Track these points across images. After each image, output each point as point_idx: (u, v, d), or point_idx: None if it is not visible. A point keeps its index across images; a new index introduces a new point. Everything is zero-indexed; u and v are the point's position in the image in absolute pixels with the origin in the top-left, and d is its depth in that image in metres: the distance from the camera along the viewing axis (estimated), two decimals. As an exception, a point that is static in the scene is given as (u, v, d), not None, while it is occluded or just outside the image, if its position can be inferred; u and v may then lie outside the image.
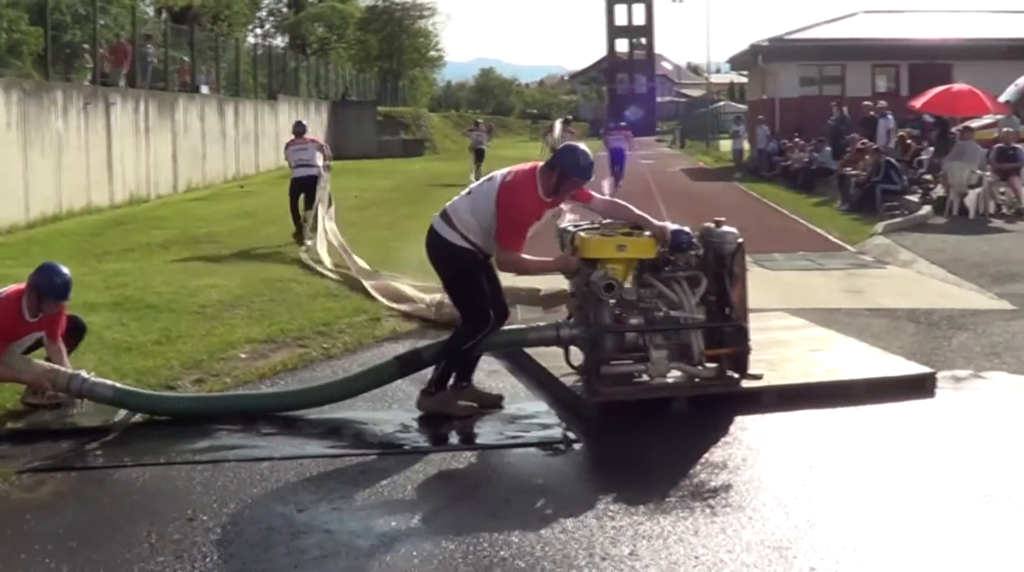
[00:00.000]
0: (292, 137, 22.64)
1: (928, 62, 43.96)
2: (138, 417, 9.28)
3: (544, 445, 8.63)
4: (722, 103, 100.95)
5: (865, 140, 31.43)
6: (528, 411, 9.54)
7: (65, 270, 9.48)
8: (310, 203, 20.75)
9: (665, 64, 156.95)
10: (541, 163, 9.22)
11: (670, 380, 9.58)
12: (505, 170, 9.18)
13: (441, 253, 9.13)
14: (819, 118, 39.47)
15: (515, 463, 8.32)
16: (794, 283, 16.55)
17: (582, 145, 9.40)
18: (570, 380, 9.88)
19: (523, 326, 10.24)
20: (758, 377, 9.65)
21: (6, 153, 24.11)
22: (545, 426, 9.11)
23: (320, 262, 17.33)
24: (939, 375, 10.33)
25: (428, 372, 9.46)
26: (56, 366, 9.28)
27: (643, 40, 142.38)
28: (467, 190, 9.38)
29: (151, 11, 54.14)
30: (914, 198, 26.58)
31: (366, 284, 14.86)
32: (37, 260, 10.56)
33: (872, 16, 51.79)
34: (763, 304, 12.85)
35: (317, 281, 15.80)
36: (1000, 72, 36.24)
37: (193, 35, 41.38)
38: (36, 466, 8.10)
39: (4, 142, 24.02)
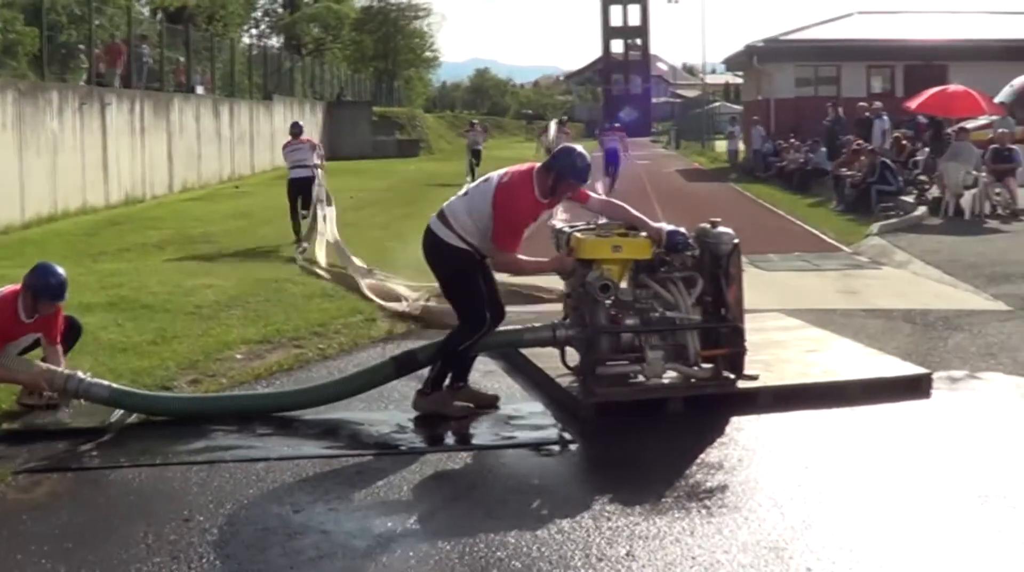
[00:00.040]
0: (289, 138, 22.68)
1: (923, 63, 44.03)
2: (134, 417, 9.28)
3: (540, 446, 8.62)
4: (717, 104, 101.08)
5: (860, 141, 31.44)
6: (524, 412, 9.54)
7: (60, 270, 9.47)
8: (307, 204, 20.79)
9: (660, 65, 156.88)
10: (538, 164, 9.22)
11: (666, 381, 9.58)
12: (502, 171, 9.19)
13: (438, 254, 9.13)
14: (814, 119, 39.52)
15: (511, 464, 8.32)
16: (790, 284, 16.56)
17: (579, 147, 9.40)
18: (566, 381, 9.88)
19: (519, 327, 10.22)
20: (754, 378, 9.65)
21: (1, 154, 24.14)
22: (541, 427, 9.11)
23: (315, 262, 17.31)
24: (935, 376, 10.33)
25: (424, 372, 9.46)
26: (52, 367, 9.27)
27: (638, 41, 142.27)
28: (464, 191, 9.39)
29: (146, 11, 54.13)
30: (909, 199, 26.59)
31: (361, 283, 14.86)
32: (32, 261, 10.54)
33: (867, 17, 51.86)
34: (759, 305, 12.87)
35: (313, 282, 15.79)
36: (995, 73, 36.32)
37: (188, 35, 41.38)
38: (32, 467, 8.09)
39: (0, 143, 24.01)
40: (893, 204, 25.94)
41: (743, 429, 8.94)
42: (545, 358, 10.33)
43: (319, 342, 12.19)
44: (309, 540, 6.64)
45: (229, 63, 46.73)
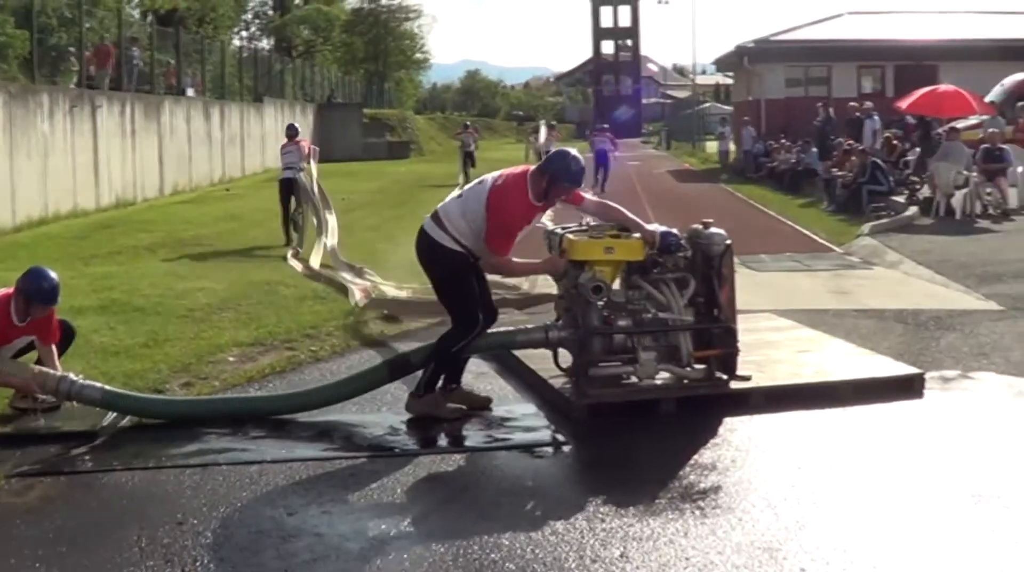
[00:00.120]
0: (286, 139, 22.97)
1: (914, 63, 44.03)
2: (127, 421, 9.27)
3: (533, 447, 8.61)
4: (708, 104, 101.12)
5: (851, 141, 31.48)
6: (517, 413, 9.53)
7: (53, 274, 9.46)
8: (299, 205, 20.94)
9: (651, 66, 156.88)
10: (532, 167, 9.22)
11: (658, 382, 9.59)
12: (496, 173, 9.19)
13: (431, 255, 9.12)
14: (805, 119, 39.52)
15: (504, 465, 8.32)
16: (781, 284, 16.58)
17: (573, 151, 9.40)
18: (559, 382, 9.88)
19: (511, 328, 10.23)
20: (746, 378, 9.65)
21: (-8, 156, 24.10)
22: (534, 428, 9.10)
23: (306, 261, 17.30)
24: (927, 376, 10.34)
25: (417, 374, 9.46)
26: (44, 369, 9.25)
27: (629, 42, 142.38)
28: (458, 193, 9.39)
29: (137, 14, 54.06)
30: (900, 199, 26.62)
31: (350, 286, 14.85)
32: (24, 264, 10.56)
33: (858, 17, 51.90)
34: (751, 305, 12.87)
35: (304, 284, 15.78)
36: (986, 73, 36.33)
37: (179, 38, 41.34)
38: (25, 470, 8.08)
39: (-10, 145, 24.01)
40: (884, 204, 25.97)
41: (736, 430, 8.95)
42: (538, 360, 10.34)
43: (311, 344, 12.19)
44: (303, 543, 6.63)
45: (219, 65, 46.69)
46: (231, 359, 11.50)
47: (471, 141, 42.57)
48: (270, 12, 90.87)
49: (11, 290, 9.37)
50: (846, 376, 10.19)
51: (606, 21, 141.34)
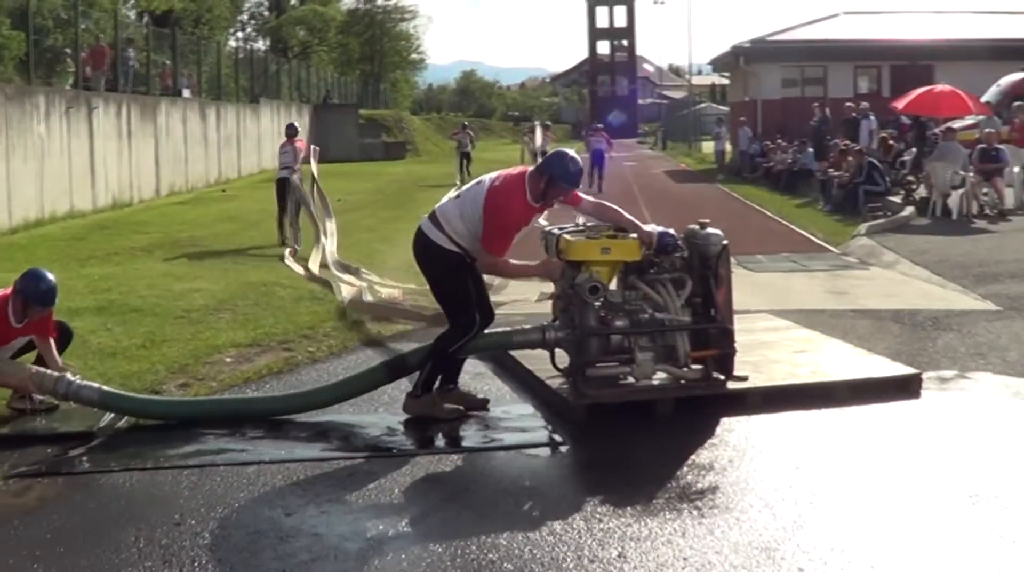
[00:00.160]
0: (285, 139, 23.17)
1: (910, 63, 44.14)
2: (124, 421, 9.27)
3: (530, 448, 8.62)
4: (704, 105, 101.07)
5: (847, 141, 31.48)
6: (514, 414, 9.53)
7: (50, 276, 9.46)
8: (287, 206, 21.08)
9: (647, 66, 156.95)
10: (530, 168, 9.23)
11: (656, 382, 9.59)
12: (494, 174, 9.19)
13: (428, 255, 9.12)
14: (801, 119, 39.56)
15: (502, 466, 8.32)
16: (778, 285, 16.58)
17: (571, 151, 9.41)
18: (556, 382, 9.87)
19: (508, 329, 10.22)
20: (743, 379, 9.65)
21: (-12, 158, 24.10)
22: (531, 429, 9.11)
23: (306, 265, 17.30)
24: (924, 376, 10.35)
25: (414, 375, 9.46)
26: (42, 369, 9.25)
27: (624, 42, 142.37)
28: (456, 194, 9.40)
29: (132, 15, 54.06)
30: (897, 199, 26.64)
31: (338, 284, 14.86)
32: (21, 265, 10.57)
33: (854, 17, 52.02)
34: (747, 306, 12.89)
35: (301, 284, 15.78)
36: (982, 73, 36.39)
37: (175, 39, 41.32)
38: (22, 471, 8.08)
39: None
40: (880, 204, 25.98)
41: (733, 430, 8.95)
42: (535, 360, 10.34)
43: (308, 345, 12.18)
44: (301, 543, 6.63)
45: (215, 66, 46.68)
46: (228, 360, 11.50)
47: (468, 141, 42.73)
48: (266, 13, 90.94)
49: (9, 291, 9.37)
50: (843, 376, 10.19)
51: (602, 21, 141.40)
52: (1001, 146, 25.78)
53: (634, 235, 9.42)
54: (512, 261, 9.23)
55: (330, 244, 18.32)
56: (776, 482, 7.68)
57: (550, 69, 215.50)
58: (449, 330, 9.29)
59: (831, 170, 29.84)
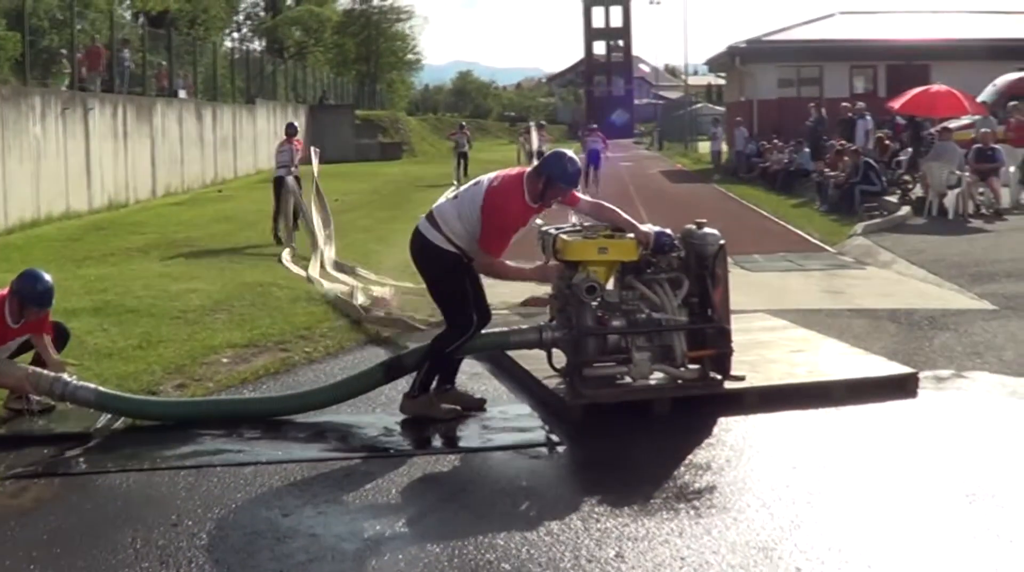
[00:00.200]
0: (284, 138, 23.37)
1: (906, 63, 44.13)
2: (121, 422, 9.26)
3: (527, 448, 8.63)
4: (700, 105, 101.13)
5: (843, 141, 31.50)
6: (511, 414, 9.54)
7: (47, 277, 9.46)
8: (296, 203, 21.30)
9: (643, 66, 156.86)
10: (528, 169, 9.23)
11: (653, 382, 9.58)
12: (492, 175, 9.19)
13: (426, 255, 9.12)
14: (797, 119, 39.55)
15: (499, 466, 8.32)
16: (775, 284, 16.57)
17: (569, 151, 9.41)
18: (553, 382, 9.87)
19: (505, 329, 10.23)
20: (740, 378, 9.65)
21: (-16, 159, 24.08)
22: (528, 429, 9.11)
23: (303, 262, 17.31)
24: (921, 375, 10.35)
25: (411, 375, 9.46)
26: (38, 370, 9.24)
27: (620, 42, 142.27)
28: (453, 194, 9.40)
29: (128, 15, 54.02)
30: (893, 199, 26.66)
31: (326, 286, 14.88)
32: (17, 266, 10.56)
33: (849, 17, 52.00)
34: (744, 305, 12.88)
35: (297, 285, 15.78)
36: (978, 73, 36.38)
37: (170, 39, 41.27)
38: (19, 472, 8.08)
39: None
40: (877, 204, 26.00)
41: (730, 430, 8.95)
42: (532, 360, 10.33)
43: (305, 345, 12.18)
44: (298, 544, 6.63)
45: (211, 67, 46.65)
46: (225, 361, 11.50)
47: (465, 142, 42.78)
48: (262, 13, 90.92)
49: (5, 292, 9.36)
50: (840, 376, 10.19)
51: (598, 22, 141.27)
52: (997, 146, 25.80)
53: (631, 235, 9.42)
54: (509, 263, 9.23)
55: (328, 251, 18.30)
56: (773, 482, 7.68)
57: (546, 69, 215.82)
58: (446, 330, 9.30)
59: (827, 170, 29.86)
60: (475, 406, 9.56)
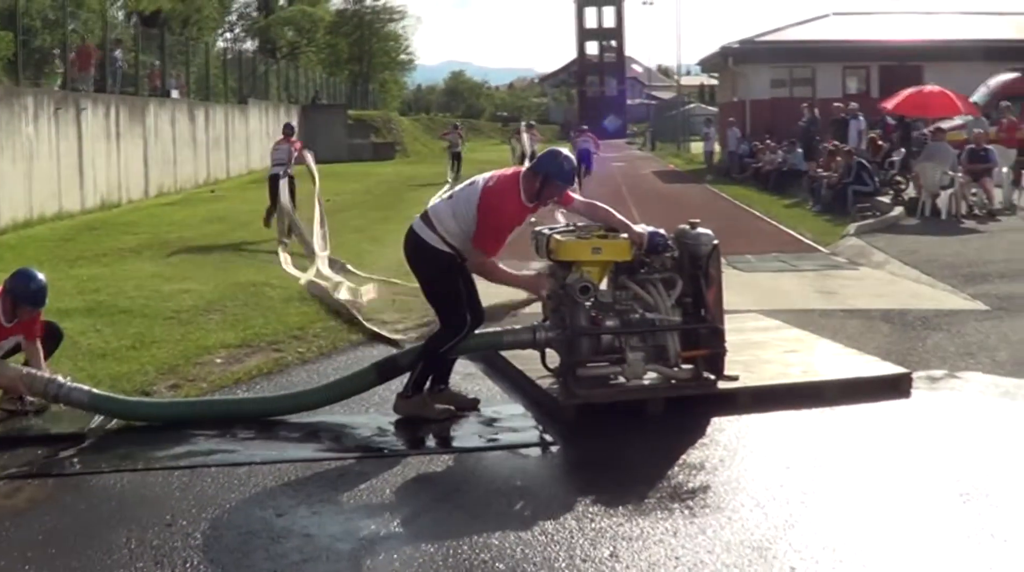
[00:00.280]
0: (281, 137, 23.80)
1: (899, 63, 44.19)
2: (114, 423, 9.25)
3: (521, 448, 8.63)
4: (692, 105, 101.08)
5: (836, 142, 31.51)
6: (505, 414, 9.53)
7: (40, 276, 9.46)
8: (292, 198, 21.82)
9: (635, 66, 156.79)
10: (524, 168, 9.24)
11: (646, 382, 9.60)
12: (487, 174, 9.19)
13: (420, 255, 9.12)
14: (789, 120, 39.53)
15: (493, 466, 8.32)
16: (768, 285, 16.59)
17: (564, 150, 9.42)
18: (546, 383, 9.88)
19: (499, 329, 10.24)
20: (734, 378, 9.66)
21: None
22: (522, 429, 9.10)
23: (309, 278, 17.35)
24: (914, 375, 10.37)
25: (405, 375, 9.46)
26: (32, 370, 9.24)
27: (613, 43, 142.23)
28: (448, 194, 9.40)
29: (121, 16, 53.96)
30: (886, 199, 26.69)
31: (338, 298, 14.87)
32: (10, 266, 10.54)
33: (842, 18, 52.03)
34: (737, 306, 12.90)
35: (290, 285, 15.75)
36: (970, 73, 36.46)
37: (163, 39, 41.21)
38: (12, 473, 8.06)
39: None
40: (869, 205, 26.03)
41: (724, 430, 8.96)
42: (525, 360, 10.34)
43: (298, 346, 12.17)
44: (292, 544, 6.62)
45: (204, 67, 46.55)
46: (218, 361, 11.48)
47: (459, 142, 42.80)
48: (254, 13, 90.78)
49: (-2, 291, 9.37)
50: (833, 376, 10.21)
51: (590, 22, 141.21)
52: (990, 146, 25.84)
53: (625, 235, 9.43)
54: (502, 266, 9.23)
55: (323, 257, 18.34)
56: (767, 481, 7.69)
57: (539, 69, 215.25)
58: (440, 331, 9.30)
59: (820, 170, 29.88)
60: (469, 406, 9.56)
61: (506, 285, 9.79)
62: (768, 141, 39.82)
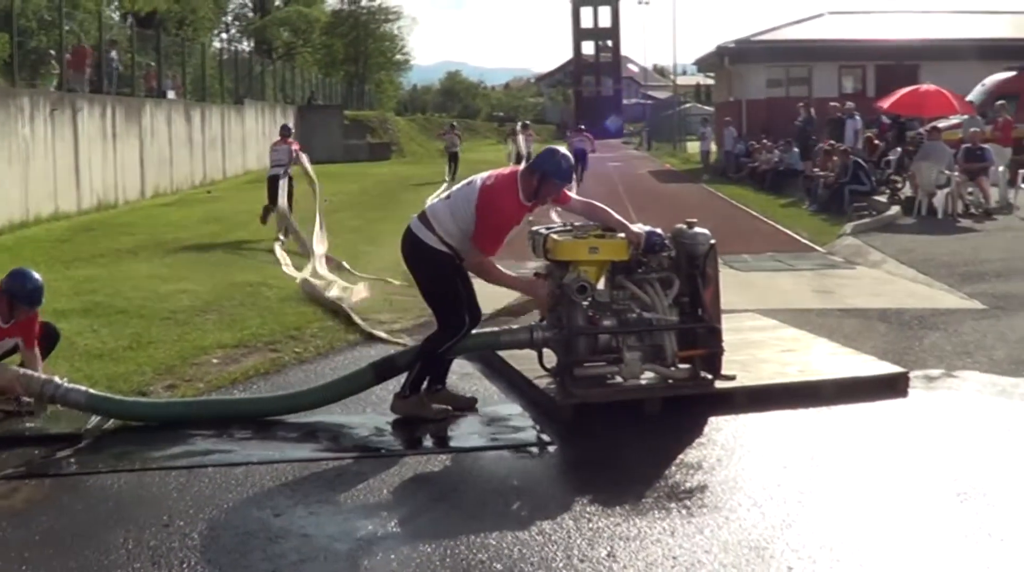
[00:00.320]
0: (278, 138, 23.93)
1: (895, 63, 44.22)
2: (111, 423, 9.24)
3: (519, 447, 8.63)
4: (689, 105, 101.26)
5: (832, 141, 31.52)
6: (502, 414, 9.53)
7: (37, 276, 9.46)
8: (289, 199, 21.92)
9: (631, 66, 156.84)
10: (522, 167, 9.24)
11: (643, 381, 9.59)
12: (485, 174, 9.20)
13: (418, 255, 9.11)
14: (786, 119, 39.55)
15: (490, 466, 8.31)
16: (765, 284, 16.60)
17: (561, 148, 9.43)
18: (543, 382, 9.86)
19: (496, 329, 10.25)
20: (731, 378, 9.67)
21: (-28, 160, 24.04)
22: (519, 429, 9.11)
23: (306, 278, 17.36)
24: (911, 375, 10.37)
25: (402, 375, 9.45)
26: (28, 371, 9.23)
27: (609, 42, 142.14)
28: (446, 194, 9.40)
29: (116, 16, 53.93)
30: (882, 199, 26.69)
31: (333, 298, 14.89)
32: (5, 267, 10.52)
33: (838, 17, 52.07)
34: (734, 305, 12.89)
35: (287, 285, 15.74)
36: (966, 72, 36.47)
37: (159, 40, 41.16)
38: (9, 473, 8.05)
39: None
40: (866, 204, 26.02)
41: (721, 429, 8.96)
42: (522, 360, 10.33)
43: (295, 346, 12.16)
44: (290, 544, 6.62)
45: (200, 67, 46.52)
46: (215, 361, 11.48)
47: (456, 142, 42.81)
48: (250, 14, 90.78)
49: (-5, 292, 9.36)
50: (830, 375, 10.21)
51: (586, 22, 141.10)
52: (986, 145, 25.85)
53: (622, 235, 9.43)
54: (500, 267, 9.23)
55: (320, 260, 18.35)
56: (764, 481, 7.69)
57: (535, 69, 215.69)
58: (438, 331, 9.29)
59: (816, 170, 29.88)
60: (466, 406, 9.56)
61: (502, 286, 9.78)
62: (764, 140, 39.81)
